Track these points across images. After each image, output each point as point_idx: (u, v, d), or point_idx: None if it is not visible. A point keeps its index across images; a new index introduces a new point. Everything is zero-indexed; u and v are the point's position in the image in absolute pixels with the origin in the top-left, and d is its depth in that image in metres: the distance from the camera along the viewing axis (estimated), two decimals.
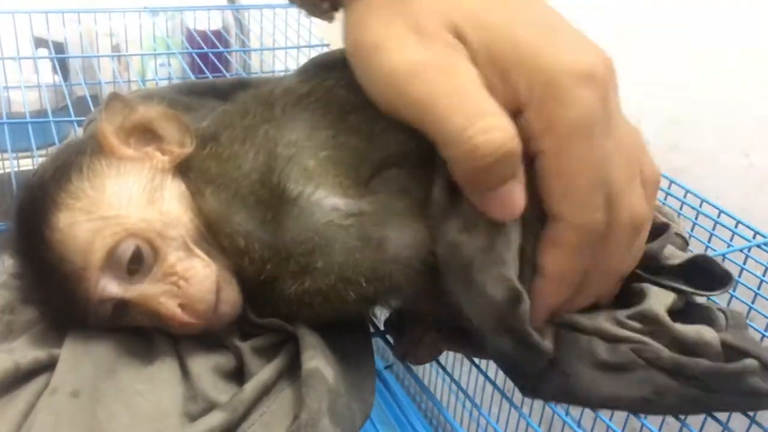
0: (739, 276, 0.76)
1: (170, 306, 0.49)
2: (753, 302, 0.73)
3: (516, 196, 0.44)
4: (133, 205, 0.50)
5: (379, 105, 0.46)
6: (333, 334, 0.51)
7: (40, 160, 0.94)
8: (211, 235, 0.51)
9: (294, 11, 1.37)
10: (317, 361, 0.47)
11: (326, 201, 0.48)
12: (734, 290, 0.74)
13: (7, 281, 0.56)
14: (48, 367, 0.48)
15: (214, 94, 0.74)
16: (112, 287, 0.49)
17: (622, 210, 0.45)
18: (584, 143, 0.43)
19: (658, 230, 0.55)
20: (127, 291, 0.50)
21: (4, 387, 0.46)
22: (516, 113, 0.43)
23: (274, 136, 0.50)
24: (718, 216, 0.83)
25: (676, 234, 0.61)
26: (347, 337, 0.53)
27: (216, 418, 0.45)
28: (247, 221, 0.50)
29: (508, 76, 0.43)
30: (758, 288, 0.74)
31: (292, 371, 0.50)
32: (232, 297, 0.51)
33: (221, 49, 1.44)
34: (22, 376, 0.47)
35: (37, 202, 0.50)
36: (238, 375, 0.50)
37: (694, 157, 0.93)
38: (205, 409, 0.47)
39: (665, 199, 0.87)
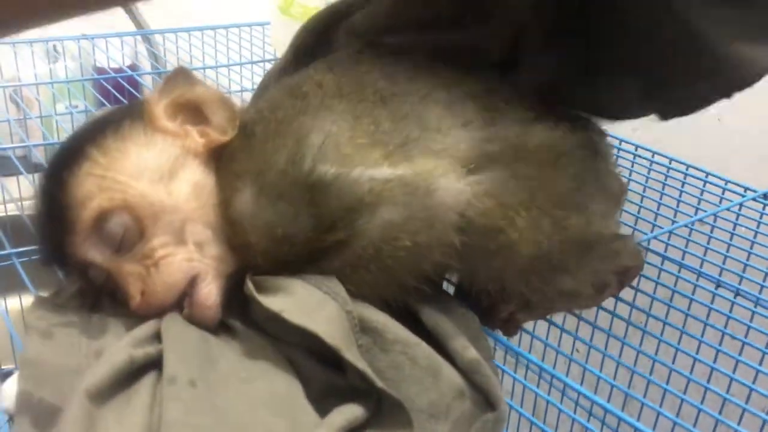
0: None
1: (133, 289, 0.48)
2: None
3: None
4: (143, 177, 0.49)
5: None
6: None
7: None
8: (229, 230, 0.50)
9: (211, 32, 1.32)
10: (472, 350, 0.47)
11: (364, 174, 0.47)
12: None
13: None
14: (157, 360, 0.45)
15: None
16: (94, 253, 0.49)
17: None
18: None
19: None
20: (107, 260, 0.49)
21: (122, 380, 0.44)
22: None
23: (310, 125, 0.49)
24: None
25: None
26: None
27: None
28: (280, 214, 0.48)
29: None
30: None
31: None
32: (205, 298, 0.49)
33: (130, 72, 1.35)
34: (136, 370, 0.44)
35: (71, 148, 0.51)
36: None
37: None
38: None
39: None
